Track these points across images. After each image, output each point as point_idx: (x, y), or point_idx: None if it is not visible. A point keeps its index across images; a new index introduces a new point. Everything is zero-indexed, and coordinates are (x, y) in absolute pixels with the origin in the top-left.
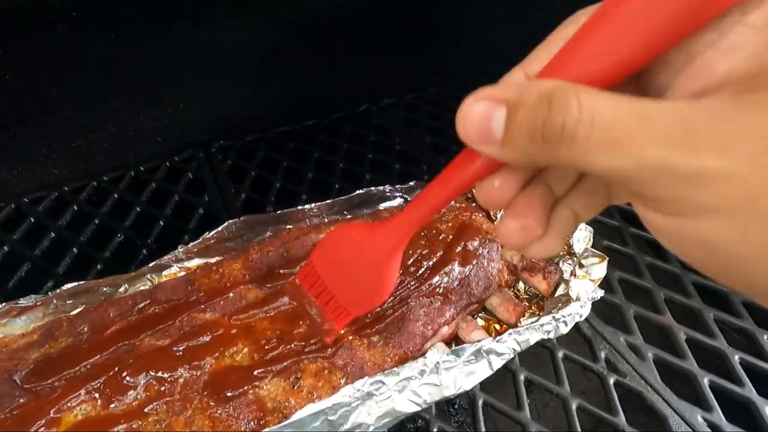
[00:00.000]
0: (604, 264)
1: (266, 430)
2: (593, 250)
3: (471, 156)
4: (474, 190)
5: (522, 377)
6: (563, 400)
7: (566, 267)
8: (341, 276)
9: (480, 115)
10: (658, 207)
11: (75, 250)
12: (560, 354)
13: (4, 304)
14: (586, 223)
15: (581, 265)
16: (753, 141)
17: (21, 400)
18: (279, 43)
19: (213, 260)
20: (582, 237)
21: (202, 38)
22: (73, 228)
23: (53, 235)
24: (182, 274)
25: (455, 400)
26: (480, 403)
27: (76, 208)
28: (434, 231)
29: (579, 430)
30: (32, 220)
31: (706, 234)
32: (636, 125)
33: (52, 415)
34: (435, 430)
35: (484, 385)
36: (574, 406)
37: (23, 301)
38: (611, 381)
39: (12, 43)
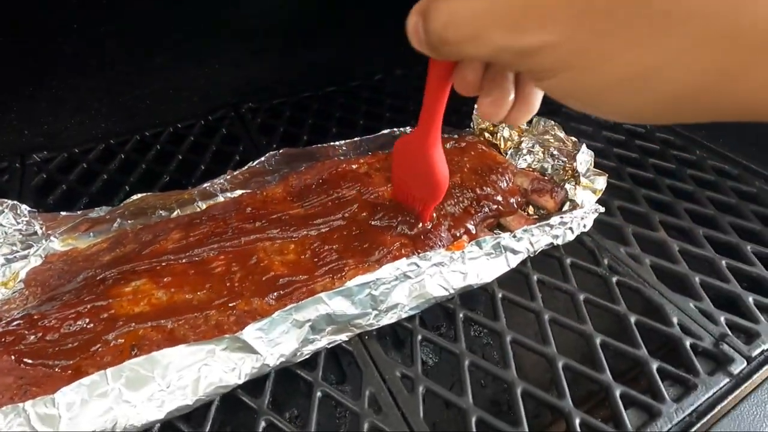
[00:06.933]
0: (604, 178)
1: (320, 294)
2: (595, 170)
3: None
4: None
5: (535, 278)
6: (571, 294)
7: (570, 187)
8: (412, 178)
9: (414, 26)
10: (531, 77)
11: (127, 188)
12: (568, 261)
13: (80, 212)
14: (588, 148)
15: (583, 181)
16: (565, 12)
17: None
18: (302, 16)
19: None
20: (584, 160)
21: (245, 8)
22: (122, 171)
23: (105, 177)
24: None
25: (475, 305)
26: (499, 296)
27: (123, 156)
28: (456, 160)
29: (587, 316)
30: (85, 165)
31: (565, 87)
32: (484, 16)
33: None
34: (461, 315)
35: (501, 282)
36: (581, 298)
37: (95, 213)
38: (613, 280)
39: None
